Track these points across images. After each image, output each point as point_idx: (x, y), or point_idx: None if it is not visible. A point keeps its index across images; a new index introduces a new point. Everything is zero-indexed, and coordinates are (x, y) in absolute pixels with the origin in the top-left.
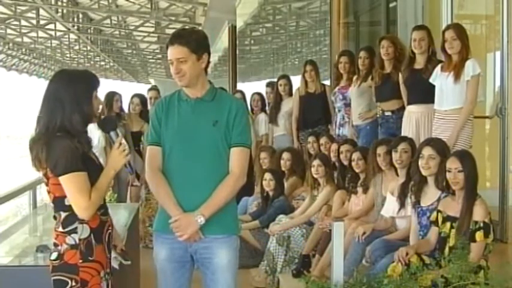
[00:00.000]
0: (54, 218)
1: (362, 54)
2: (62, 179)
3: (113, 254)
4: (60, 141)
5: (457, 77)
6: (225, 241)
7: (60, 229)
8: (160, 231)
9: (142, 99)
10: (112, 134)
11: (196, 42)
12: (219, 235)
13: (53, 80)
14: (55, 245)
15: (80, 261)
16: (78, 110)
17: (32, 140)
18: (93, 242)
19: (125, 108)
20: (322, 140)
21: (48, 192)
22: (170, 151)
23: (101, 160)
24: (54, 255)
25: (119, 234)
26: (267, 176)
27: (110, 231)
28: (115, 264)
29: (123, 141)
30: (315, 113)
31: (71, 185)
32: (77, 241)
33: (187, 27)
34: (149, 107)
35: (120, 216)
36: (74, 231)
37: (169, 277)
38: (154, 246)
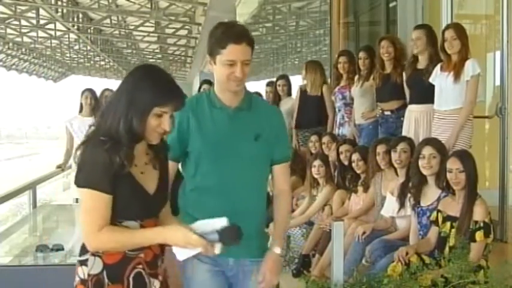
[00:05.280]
0: None
1: (361, 54)
2: (80, 192)
3: None
4: (95, 148)
5: (457, 77)
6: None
7: (78, 256)
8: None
9: None
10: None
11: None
12: (260, 258)
13: (131, 74)
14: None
15: None
16: (126, 119)
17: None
18: (106, 280)
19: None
20: (325, 139)
21: None
22: (205, 169)
23: None
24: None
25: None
26: None
27: (139, 270)
28: None
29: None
30: (310, 113)
31: (85, 202)
32: (86, 276)
33: (187, 27)
34: None
35: None
36: (85, 263)
37: None
38: (189, 270)
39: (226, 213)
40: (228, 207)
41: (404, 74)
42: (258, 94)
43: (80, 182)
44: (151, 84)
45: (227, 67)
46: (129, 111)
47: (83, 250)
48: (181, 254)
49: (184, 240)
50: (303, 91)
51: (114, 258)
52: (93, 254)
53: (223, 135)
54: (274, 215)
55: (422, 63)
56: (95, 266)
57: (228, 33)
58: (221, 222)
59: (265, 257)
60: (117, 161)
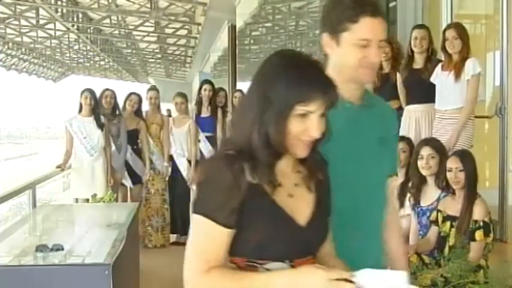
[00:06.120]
0: None
1: None
2: (193, 218)
3: None
4: (218, 166)
5: (458, 76)
6: None
7: None
8: None
9: (140, 98)
10: None
11: None
12: None
13: (263, 64)
14: None
15: None
16: (260, 125)
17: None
18: None
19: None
20: None
21: None
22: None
23: (100, 160)
24: None
25: None
26: None
27: None
28: None
29: None
30: None
31: (196, 232)
32: None
33: (187, 27)
34: (148, 107)
35: (120, 215)
36: None
37: None
38: None
39: (351, 233)
40: (352, 226)
41: (399, 75)
42: None
43: (195, 206)
44: (288, 74)
45: (359, 49)
46: (263, 114)
47: None
48: None
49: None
50: None
51: None
52: None
53: (348, 141)
54: (387, 240)
55: (419, 63)
56: None
57: (362, 2)
58: (399, 278)
59: None
60: (246, 184)
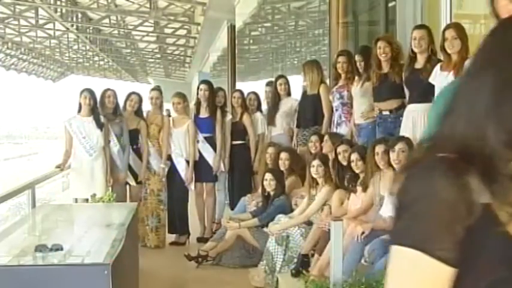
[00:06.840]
0: None
1: (357, 57)
2: (395, 252)
3: None
4: (430, 178)
5: (457, 76)
6: None
7: None
8: None
9: (140, 98)
10: None
11: None
12: None
13: (496, 32)
14: None
15: None
16: (499, 117)
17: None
18: None
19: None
20: (327, 139)
21: None
22: None
23: (100, 160)
24: None
25: None
26: (268, 176)
27: None
28: None
29: None
30: (307, 112)
31: (402, 272)
32: None
33: (186, 26)
34: (150, 107)
35: (120, 215)
36: None
37: None
38: None
39: None
40: None
41: (403, 74)
42: (256, 94)
43: (396, 235)
44: None
45: None
46: (502, 103)
47: None
48: None
49: None
50: (304, 91)
51: None
52: None
53: None
54: None
55: (420, 63)
56: None
57: None
58: None
59: None
60: (478, 204)
